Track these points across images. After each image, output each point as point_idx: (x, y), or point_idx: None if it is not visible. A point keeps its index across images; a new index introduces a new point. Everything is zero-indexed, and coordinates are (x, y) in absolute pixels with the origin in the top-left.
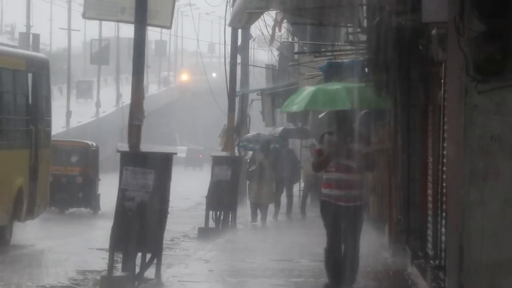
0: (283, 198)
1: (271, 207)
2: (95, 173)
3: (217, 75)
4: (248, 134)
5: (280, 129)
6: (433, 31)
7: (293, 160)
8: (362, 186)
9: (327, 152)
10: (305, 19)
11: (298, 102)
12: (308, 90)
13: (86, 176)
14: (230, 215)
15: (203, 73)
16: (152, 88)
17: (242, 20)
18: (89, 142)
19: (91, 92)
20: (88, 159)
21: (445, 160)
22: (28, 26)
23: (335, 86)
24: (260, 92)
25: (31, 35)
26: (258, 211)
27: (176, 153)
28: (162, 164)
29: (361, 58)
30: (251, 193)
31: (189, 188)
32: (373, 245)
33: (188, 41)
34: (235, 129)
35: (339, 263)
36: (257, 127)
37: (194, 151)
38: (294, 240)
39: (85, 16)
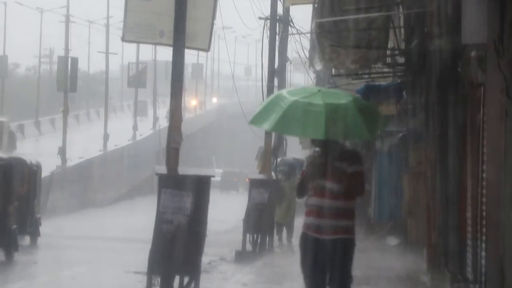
0: None
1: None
2: (30, 194)
3: (254, 98)
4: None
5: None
6: (472, 53)
7: None
8: (352, 216)
9: (306, 172)
10: (342, 42)
11: (270, 118)
12: (284, 101)
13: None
14: (268, 238)
15: (240, 96)
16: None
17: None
18: (28, 160)
19: (147, 111)
20: (24, 178)
21: (484, 183)
22: (67, 50)
23: (316, 101)
24: None
25: (69, 59)
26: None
27: (214, 176)
28: (200, 187)
29: (399, 81)
30: (276, 213)
31: (226, 211)
32: (411, 268)
33: (225, 64)
34: (272, 152)
35: None
36: (294, 150)
37: (229, 174)
38: None
39: (124, 39)
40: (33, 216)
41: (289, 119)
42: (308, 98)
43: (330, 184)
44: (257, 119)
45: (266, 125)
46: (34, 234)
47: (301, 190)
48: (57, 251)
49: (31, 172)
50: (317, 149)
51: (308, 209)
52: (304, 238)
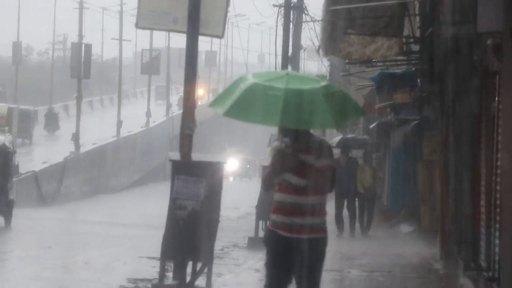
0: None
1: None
2: (5, 174)
3: None
4: None
5: (337, 138)
6: (488, 41)
7: (352, 171)
8: (321, 213)
9: (271, 165)
10: (357, 30)
11: (227, 101)
12: (244, 83)
13: None
14: None
15: None
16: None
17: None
18: (1, 141)
19: (169, 95)
20: None
21: (499, 171)
22: (80, 36)
23: (278, 85)
24: None
25: (83, 45)
26: None
27: (226, 162)
28: (213, 173)
29: (414, 69)
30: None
31: (238, 198)
32: (424, 256)
33: (238, 51)
34: None
35: None
36: None
37: (241, 161)
38: (343, 251)
39: (138, 26)
40: (7, 197)
41: (245, 103)
42: (270, 82)
43: (296, 179)
44: (216, 102)
45: (221, 109)
46: (8, 215)
47: (268, 184)
48: (70, 236)
49: (5, 153)
50: (285, 139)
51: (274, 205)
52: (270, 236)
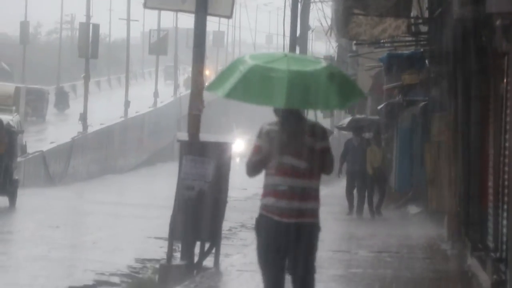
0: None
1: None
2: (9, 154)
3: None
4: None
5: (347, 119)
6: (497, 22)
7: (364, 152)
8: (318, 197)
9: (267, 148)
10: (365, 10)
11: (227, 83)
12: (243, 65)
13: None
14: None
15: None
16: None
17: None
18: (6, 120)
19: (177, 75)
20: (1, 137)
21: (507, 152)
22: (88, 16)
23: (280, 66)
24: None
25: (91, 25)
26: None
27: (234, 143)
28: (221, 154)
29: (422, 50)
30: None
31: (246, 179)
32: (432, 237)
33: (246, 32)
34: None
35: None
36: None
37: (248, 142)
38: (351, 231)
39: (146, 5)
40: (12, 177)
41: (247, 85)
42: (271, 63)
43: (296, 161)
44: (214, 85)
45: (221, 91)
46: (13, 195)
47: (258, 168)
48: (78, 216)
49: (10, 132)
50: (280, 122)
51: (268, 189)
52: (263, 221)
